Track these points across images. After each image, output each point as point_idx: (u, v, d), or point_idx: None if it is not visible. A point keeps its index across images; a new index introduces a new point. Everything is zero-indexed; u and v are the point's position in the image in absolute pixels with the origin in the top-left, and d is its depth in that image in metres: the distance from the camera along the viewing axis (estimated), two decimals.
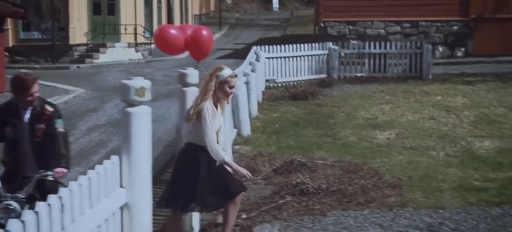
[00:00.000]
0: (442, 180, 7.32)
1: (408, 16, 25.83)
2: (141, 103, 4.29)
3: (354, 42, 21.49)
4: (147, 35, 28.68)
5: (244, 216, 6.56)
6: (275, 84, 16.75)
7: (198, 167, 5.22)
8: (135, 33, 27.92)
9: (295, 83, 16.96)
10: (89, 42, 26.58)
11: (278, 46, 17.08)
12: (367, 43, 18.41)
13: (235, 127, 10.60)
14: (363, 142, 10.13)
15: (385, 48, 18.08)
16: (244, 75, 12.36)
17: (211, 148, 5.10)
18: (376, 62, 18.09)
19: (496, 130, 10.29)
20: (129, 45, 27.33)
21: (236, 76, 5.42)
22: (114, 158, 4.14)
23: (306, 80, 17.17)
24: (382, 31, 26.09)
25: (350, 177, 7.74)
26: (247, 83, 12.33)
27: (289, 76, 17.22)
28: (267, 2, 57.03)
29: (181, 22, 37.25)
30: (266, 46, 16.98)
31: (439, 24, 26.04)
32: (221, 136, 5.36)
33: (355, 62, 18.28)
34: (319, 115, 12.62)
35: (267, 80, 16.66)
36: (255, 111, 12.65)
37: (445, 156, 8.74)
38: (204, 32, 5.43)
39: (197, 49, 5.85)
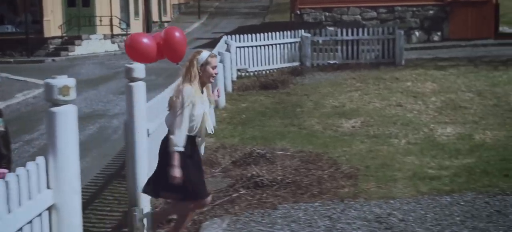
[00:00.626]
0: (398, 169, 7.28)
1: (384, 2, 25.82)
2: (66, 102, 4.18)
3: (330, 28, 21.35)
4: (123, 26, 28.44)
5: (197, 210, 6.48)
6: (247, 74, 16.66)
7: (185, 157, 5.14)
8: (111, 25, 27.71)
9: (268, 72, 16.88)
10: (64, 34, 26.34)
11: (250, 35, 16.98)
12: (339, 30, 18.34)
13: None
14: (328, 131, 10.07)
15: (358, 34, 18.02)
16: None
17: (174, 133, 5.03)
18: (349, 49, 18.02)
19: (460, 116, 10.26)
20: (105, 37, 27.11)
21: (215, 56, 5.33)
22: (40, 160, 4.04)
23: (278, 68, 17.09)
24: (358, 17, 26.04)
25: (308, 168, 7.67)
26: None
27: (261, 65, 17.13)
28: None
29: (159, 12, 37.04)
30: (237, 36, 16.87)
31: (415, 9, 26.05)
32: (209, 119, 5.29)
33: (328, 49, 18.20)
34: (287, 104, 12.55)
35: (238, 70, 16.56)
36: (223, 102, 12.57)
37: (406, 144, 8.70)
38: (177, 34, 5.31)
39: (172, 52, 5.72)
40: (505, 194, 5.97)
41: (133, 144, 6.14)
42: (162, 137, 7.42)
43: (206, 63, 5.15)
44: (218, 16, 42.24)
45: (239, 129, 10.56)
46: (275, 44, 17.31)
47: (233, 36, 16.87)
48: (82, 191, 7.52)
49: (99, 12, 27.33)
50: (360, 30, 18.20)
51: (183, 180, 5.13)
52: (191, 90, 5.04)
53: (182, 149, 5.08)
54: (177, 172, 5.07)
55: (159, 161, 5.44)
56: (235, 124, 11.06)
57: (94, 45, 26.58)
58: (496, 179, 6.46)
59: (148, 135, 6.74)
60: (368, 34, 18.04)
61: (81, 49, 26.04)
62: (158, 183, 5.34)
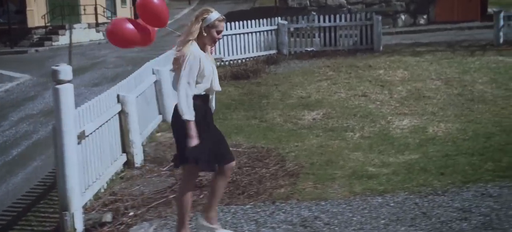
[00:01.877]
0: (340, 166, 7.15)
1: None
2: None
3: (314, 13, 21.07)
4: (108, 15, 28.26)
5: (131, 213, 6.40)
6: (222, 63, 16.50)
7: (205, 119, 4.92)
8: (96, 14, 27.51)
9: (243, 61, 16.72)
10: (48, 24, 26.17)
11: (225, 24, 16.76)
12: (316, 16, 18.13)
13: (160, 113, 10.39)
14: (287, 124, 9.95)
15: (335, 21, 17.82)
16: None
17: (179, 99, 4.71)
18: (327, 36, 17.83)
19: (420, 107, 10.12)
20: (90, 26, 26.94)
21: (224, 19, 5.00)
22: None
23: (254, 57, 16.94)
24: (344, 1, 25.85)
25: (253, 166, 7.55)
26: None
27: (237, 54, 16.97)
28: None
29: None
30: None
31: None
32: (216, 80, 5.02)
33: (306, 36, 18.02)
34: (254, 95, 12.42)
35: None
36: None
37: (358, 138, 8.58)
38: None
39: (153, 18, 5.38)
40: (436, 194, 5.85)
41: (62, 148, 6.05)
42: (107, 137, 7.32)
43: (213, 25, 4.85)
44: (209, 1, 41.92)
45: None
46: (251, 33, 17.13)
47: None
48: (29, 192, 7.50)
49: (83, 1, 27.15)
50: (338, 16, 18.00)
51: (202, 146, 4.80)
52: (197, 48, 4.79)
53: (192, 118, 4.72)
54: (194, 142, 4.74)
55: (173, 132, 5.09)
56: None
57: (79, 34, 26.40)
58: (432, 177, 6.33)
59: (86, 136, 6.65)
60: (346, 20, 17.84)
61: (65, 39, 25.85)
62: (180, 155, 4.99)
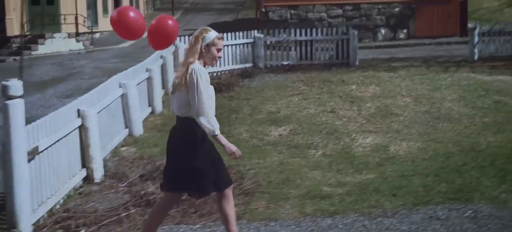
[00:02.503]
0: (296, 185, 7.12)
1: None
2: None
3: (294, 27, 21.10)
4: (89, 24, 28.14)
5: (82, 231, 6.32)
6: None
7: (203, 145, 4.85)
8: (76, 23, 27.39)
9: (218, 74, 16.68)
10: (27, 33, 26.01)
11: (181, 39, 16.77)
12: (293, 30, 18.14)
13: (126, 127, 10.33)
14: (253, 140, 9.92)
15: (311, 35, 17.84)
16: (147, 71, 12.09)
17: (204, 118, 4.66)
18: (303, 50, 17.84)
19: (386, 125, 10.12)
20: (69, 35, 26.80)
21: (222, 38, 5.02)
22: None
23: (230, 70, 16.91)
24: (324, 14, 25.93)
25: None
26: (149, 78, 12.08)
27: (212, 67, 16.87)
28: None
29: None
30: (187, 38, 16.65)
31: (380, 6, 25.95)
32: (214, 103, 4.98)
33: (282, 49, 18.02)
34: (225, 109, 12.36)
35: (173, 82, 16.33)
36: (159, 107, 12.39)
37: (320, 156, 8.55)
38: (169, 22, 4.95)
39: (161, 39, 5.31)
40: (386, 216, 5.82)
41: (11, 165, 5.98)
42: (65, 152, 7.21)
43: (212, 44, 4.86)
44: (193, 12, 41.97)
45: (167, 137, 10.34)
46: (227, 45, 17.10)
47: (183, 38, 16.65)
48: None
49: (64, 10, 27.04)
50: (314, 30, 18.02)
51: (210, 171, 4.83)
52: (202, 66, 4.78)
53: (218, 131, 4.75)
54: (233, 147, 4.78)
55: (175, 156, 4.97)
56: (165, 131, 10.81)
57: (58, 44, 26.27)
58: (384, 198, 6.31)
59: (39, 152, 6.57)
60: (322, 34, 17.86)
61: (44, 48, 25.75)
62: (177, 176, 4.93)
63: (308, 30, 17.99)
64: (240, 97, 13.58)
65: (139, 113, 10.67)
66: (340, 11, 25.95)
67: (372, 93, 12.86)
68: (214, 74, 16.66)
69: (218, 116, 11.42)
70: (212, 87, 4.97)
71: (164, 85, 14.00)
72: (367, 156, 8.29)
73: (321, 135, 9.76)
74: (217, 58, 4.95)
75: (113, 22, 5.13)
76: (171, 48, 15.68)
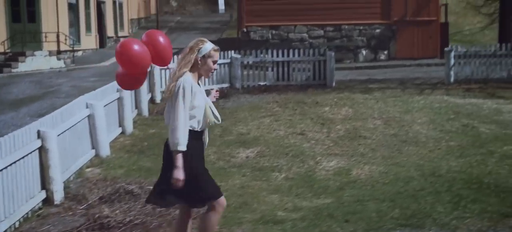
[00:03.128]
0: (253, 209, 7.06)
1: (331, 20, 25.81)
2: None
3: (272, 48, 21.14)
4: (70, 42, 28.05)
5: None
6: None
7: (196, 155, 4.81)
8: (58, 41, 27.31)
9: None
10: (8, 50, 25.90)
11: (174, 56, 16.72)
12: (270, 51, 18.16)
13: (93, 148, 10.25)
14: (219, 162, 9.86)
15: (288, 55, 17.87)
16: (117, 91, 12.04)
17: (174, 130, 4.60)
18: (280, 70, 17.85)
19: (353, 148, 10.10)
20: (51, 53, 26.69)
21: (218, 50, 4.98)
22: None
23: (206, 89, 16.83)
24: (305, 35, 26.01)
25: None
26: (120, 99, 12.02)
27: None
28: (214, 4, 56.62)
29: (115, 27, 36.69)
30: None
31: (361, 28, 26.07)
32: (214, 110, 4.93)
33: (260, 70, 18.03)
34: None
35: (163, 92, 16.31)
36: (130, 128, 12.31)
37: (282, 179, 8.50)
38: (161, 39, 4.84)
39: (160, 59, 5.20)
40: None
41: None
42: (22, 174, 7.14)
43: (209, 55, 4.82)
44: (178, 31, 41.96)
45: (134, 158, 10.32)
46: None
47: None
48: None
49: (45, 28, 26.96)
50: (291, 51, 18.05)
51: (197, 183, 4.80)
52: (191, 77, 4.70)
53: (185, 148, 4.64)
54: (180, 174, 4.64)
55: (164, 165, 4.98)
56: (133, 152, 10.82)
57: (39, 61, 26.16)
58: (336, 224, 6.26)
59: None
60: (299, 55, 17.89)
61: (25, 66, 25.61)
62: (167, 190, 4.87)
63: (285, 51, 18.01)
64: None
65: (106, 134, 10.58)
66: (321, 32, 26.06)
67: (344, 115, 12.86)
68: None
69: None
70: (204, 95, 4.88)
71: (137, 105, 13.94)
72: (328, 180, 8.25)
73: (287, 158, 9.72)
74: (213, 70, 4.92)
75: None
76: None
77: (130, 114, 12.40)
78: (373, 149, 9.89)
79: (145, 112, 14.04)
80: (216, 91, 5.40)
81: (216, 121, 4.94)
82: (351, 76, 20.27)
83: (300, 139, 10.97)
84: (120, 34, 37.52)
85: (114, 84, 12.35)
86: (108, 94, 11.63)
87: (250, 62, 17.94)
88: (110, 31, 35.52)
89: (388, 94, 15.46)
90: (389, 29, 25.99)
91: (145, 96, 14.19)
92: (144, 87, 14.38)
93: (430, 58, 25.35)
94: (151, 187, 8.25)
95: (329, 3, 25.51)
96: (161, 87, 16.24)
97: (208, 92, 5.23)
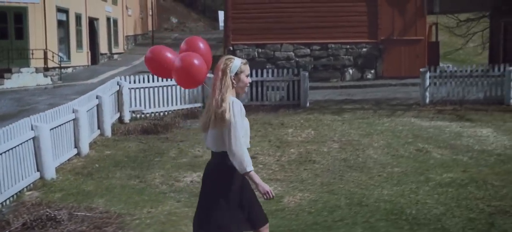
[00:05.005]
0: None
1: (317, 39, 25.67)
2: None
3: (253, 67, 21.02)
4: (57, 59, 28.04)
5: None
6: (143, 116, 16.32)
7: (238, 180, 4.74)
8: (45, 58, 27.34)
9: (165, 113, 16.57)
10: None
11: (145, 76, 16.67)
12: None
13: (37, 171, 10.15)
14: (163, 186, 9.72)
15: (262, 75, 17.73)
16: (73, 112, 11.94)
17: (237, 154, 4.53)
18: (253, 90, 17.71)
19: (297, 173, 9.91)
20: (37, 70, 26.70)
21: (247, 62, 4.91)
22: None
23: (178, 109, 16.78)
24: (292, 53, 25.89)
25: None
26: (75, 120, 11.92)
27: (159, 107, 16.78)
28: (214, 20, 56.75)
29: (109, 44, 36.74)
30: (132, 76, 16.56)
31: (348, 46, 25.91)
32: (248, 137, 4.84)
33: None
34: (152, 152, 12.19)
35: (133, 112, 16.24)
36: (86, 149, 12.19)
37: None
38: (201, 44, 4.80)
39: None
40: None
41: None
42: None
43: (241, 71, 4.75)
44: (174, 47, 41.82)
45: (79, 181, 10.19)
46: (175, 85, 16.98)
47: (128, 77, 16.53)
48: None
49: (33, 45, 27.00)
50: (264, 71, 17.92)
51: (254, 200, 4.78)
52: (238, 101, 4.63)
53: (252, 167, 4.63)
54: (266, 187, 4.64)
55: (211, 196, 4.81)
56: (82, 175, 10.69)
57: (25, 78, 26.19)
58: None
59: None
60: (273, 75, 17.76)
61: (11, 83, 25.64)
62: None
63: (259, 70, 17.88)
64: (175, 139, 13.41)
65: (51, 156, 10.46)
66: (307, 51, 25.93)
67: (304, 138, 12.69)
68: (161, 113, 16.56)
69: (143, 158, 11.31)
70: (247, 119, 4.83)
71: (99, 126, 13.83)
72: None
73: None
74: (248, 83, 4.83)
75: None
76: (113, 86, 15.58)
77: (86, 135, 12.27)
78: (316, 174, 9.70)
79: (108, 133, 13.92)
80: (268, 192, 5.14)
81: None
82: (331, 96, 20.10)
83: (253, 164, 10.76)
84: (114, 50, 37.57)
85: (72, 103, 12.28)
86: (62, 114, 11.53)
87: None
88: (103, 48, 35.54)
89: (358, 116, 15.28)
90: (376, 48, 25.81)
91: (108, 117, 14.07)
92: (109, 107, 14.29)
93: (417, 77, 25.01)
94: (79, 214, 8.16)
95: (315, 21, 25.41)
96: (131, 106, 16.14)
97: None
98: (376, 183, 8.72)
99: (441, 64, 27.89)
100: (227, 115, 4.55)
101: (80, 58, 31.71)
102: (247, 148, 4.72)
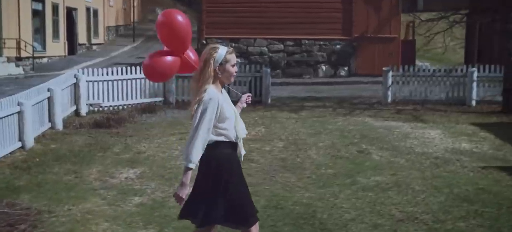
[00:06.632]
0: None
1: (291, 34, 25.61)
2: None
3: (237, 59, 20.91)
4: (35, 49, 27.87)
5: None
6: (101, 109, 16.20)
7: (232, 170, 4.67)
8: (18, 48, 27.16)
9: (124, 107, 16.46)
10: None
11: (104, 69, 16.55)
12: None
13: None
14: (96, 182, 9.58)
15: None
16: (18, 105, 11.82)
17: (192, 146, 4.43)
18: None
19: None
20: (9, 60, 26.55)
21: (233, 51, 4.78)
22: None
23: (137, 103, 16.68)
24: (265, 48, 25.82)
25: None
26: (20, 113, 11.79)
27: (119, 100, 16.67)
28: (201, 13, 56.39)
29: (88, 34, 36.54)
30: (90, 69, 16.44)
31: (322, 43, 25.85)
32: (240, 123, 4.74)
33: None
34: (97, 147, 12.07)
35: (90, 105, 16.12)
36: (30, 142, 12.06)
37: (135, 205, 8.19)
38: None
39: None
40: None
41: None
42: None
43: (226, 61, 4.60)
44: (154, 39, 41.79)
45: (13, 176, 10.06)
46: (134, 79, 16.87)
47: (87, 69, 16.41)
48: None
49: (6, 34, 26.82)
50: None
51: (233, 200, 4.62)
52: (214, 91, 4.50)
53: (194, 166, 4.49)
54: (184, 192, 4.52)
55: (201, 185, 4.75)
56: (20, 169, 10.56)
57: None
58: None
59: None
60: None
61: None
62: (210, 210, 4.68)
63: None
64: (125, 134, 13.30)
65: None
66: (281, 46, 25.85)
67: (253, 136, 12.59)
68: (120, 107, 16.45)
69: (86, 153, 11.18)
70: (232, 107, 4.73)
71: (51, 119, 13.71)
72: (177, 207, 7.94)
73: (160, 181, 9.46)
74: (234, 73, 4.71)
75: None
76: (70, 79, 15.46)
77: (30, 129, 12.14)
78: (249, 174, 9.57)
79: (59, 126, 13.80)
80: (248, 95, 5.17)
81: (243, 135, 4.80)
82: (298, 93, 20.03)
83: (181, 161, 10.68)
84: (94, 41, 37.39)
85: (18, 96, 12.16)
86: (5, 107, 11.40)
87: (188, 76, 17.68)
88: (82, 39, 35.34)
89: (315, 114, 15.22)
90: (349, 45, 25.74)
91: (59, 110, 13.94)
92: (62, 100, 14.17)
93: None
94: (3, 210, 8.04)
95: (290, 17, 25.32)
96: (88, 99, 16.02)
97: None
98: (302, 185, 8.63)
99: (419, 63, 27.87)
100: (199, 108, 4.48)
101: (56, 48, 31.52)
102: (243, 137, 4.72)
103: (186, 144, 4.57)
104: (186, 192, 4.57)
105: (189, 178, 4.57)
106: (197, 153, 4.46)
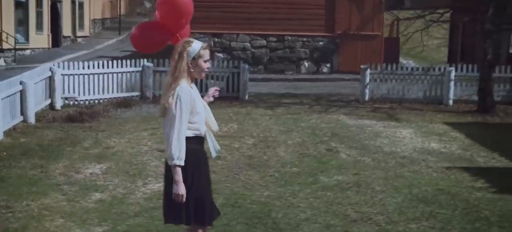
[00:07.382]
0: None
1: (274, 30, 25.56)
2: None
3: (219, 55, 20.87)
4: (18, 41, 27.69)
5: None
6: (76, 103, 16.12)
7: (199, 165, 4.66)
8: (0, 39, 26.99)
9: (100, 101, 16.39)
10: None
11: (80, 63, 16.47)
12: None
13: None
14: (61, 177, 9.52)
15: None
16: None
17: (173, 145, 4.39)
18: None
19: None
20: None
21: (208, 47, 4.76)
22: None
23: (114, 98, 16.60)
24: (248, 44, 25.76)
25: None
26: None
27: (94, 94, 16.59)
28: None
29: (73, 27, 36.35)
30: (66, 63, 16.35)
31: (305, 39, 25.83)
32: (212, 118, 4.78)
33: None
34: (67, 141, 12.01)
35: (66, 98, 16.04)
36: (0, 135, 11.99)
37: (92, 202, 8.10)
38: None
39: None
40: None
41: None
42: None
43: (199, 56, 4.57)
44: None
45: None
46: (111, 73, 16.80)
47: (63, 63, 16.32)
48: None
49: None
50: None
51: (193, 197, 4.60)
52: (186, 85, 4.46)
53: (183, 162, 4.44)
54: (181, 189, 4.47)
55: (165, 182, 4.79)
56: None
57: None
58: None
59: None
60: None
61: None
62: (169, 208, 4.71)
63: None
64: (97, 129, 13.25)
65: None
66: (264, 42, 25.81)
67: (224, 132, 12.55)
68: (96, 101, 16.37)
69: (55, 147, 11.11)
70: (202, 101, 4.72)
71: (23, 112, 13.62)
72: (136, 205, 7.93)
73: (124, 177, 9.41)
74: (206, 69, 4.69)
75: None
76: (44, 72, 15.36)
77: (0, 122, 12.06)
78: (213, 171, 9.51)
79: (32, 120, 13.71)
80: (215, 89, 5.17)
81: (215, 129, 4.82)
82: (277, 89, 20.00)
83: (155, 156, 10.65)
84: (79, 34, 37.21)
85: None
86: None
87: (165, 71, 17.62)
88: (66, 31, 35.16)
89: (290, 111, 15.20)
90: (332, 42, 25.74)
91: (32, 103, 13.85)
92: (35, 93, 14.07)
93: None
94: None
95: (272, 13, 25.28)
96: (63, 93, 15.94)
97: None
98: (263, 184, 8.61)
99: (402, 61, 27.89)
100: (172, 104, 4.44)
101: (39, 40, 31.34)
102: (216, 130, 4.78)
103: (168, 142, 4.49)
104: (182, 188, 4.53)
105: (181, 174, 4.53)
106: (182, 149, 4.45)
